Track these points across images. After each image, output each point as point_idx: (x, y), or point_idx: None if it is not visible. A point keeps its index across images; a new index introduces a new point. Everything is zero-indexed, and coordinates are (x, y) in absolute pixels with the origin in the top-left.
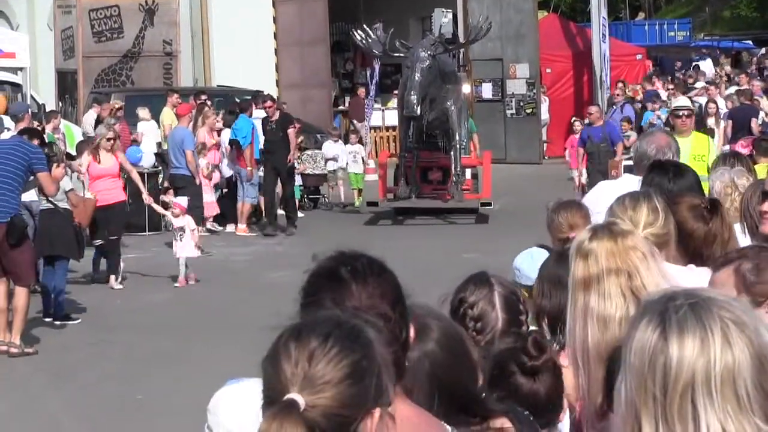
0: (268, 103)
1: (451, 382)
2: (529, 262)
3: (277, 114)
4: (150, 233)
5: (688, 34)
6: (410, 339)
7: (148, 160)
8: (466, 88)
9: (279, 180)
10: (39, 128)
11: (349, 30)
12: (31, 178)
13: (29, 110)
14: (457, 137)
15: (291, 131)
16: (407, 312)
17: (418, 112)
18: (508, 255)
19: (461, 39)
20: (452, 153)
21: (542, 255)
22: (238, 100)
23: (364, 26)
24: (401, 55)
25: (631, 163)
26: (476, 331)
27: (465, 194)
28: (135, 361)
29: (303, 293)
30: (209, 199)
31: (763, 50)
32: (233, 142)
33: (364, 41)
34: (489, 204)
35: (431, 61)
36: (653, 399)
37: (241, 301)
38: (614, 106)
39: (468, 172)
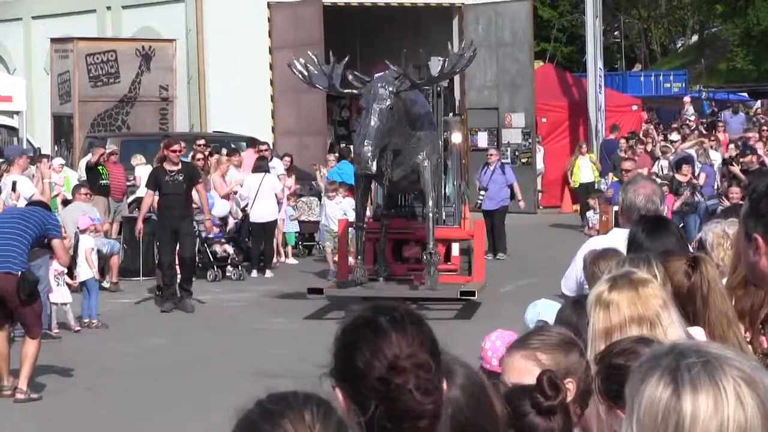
0: (172, 146)
1: (473, 429)
2: (533, 312)
3: (180, 164)
4: (144, 278)
5: (683, 85)
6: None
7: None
8: (457, 137)
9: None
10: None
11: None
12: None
13: (24, 154)
14: (430, 203)
15: (200, 187)
16: (442, 364)
17: (374, 168)
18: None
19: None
20: (426, 223)
21: (547, 305)
22: (233, 145)
23: (309, 53)
24: (354, 91)
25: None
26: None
27: (448, 277)
28: (130, 405)
29: (338, 342)
30: None
31: (759, 103)
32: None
33: (303, 73)
34: (472, 294)
35: (393, 100)
36: None
37: (236, 346)
38: (487, 167)
39: (456, 247)
